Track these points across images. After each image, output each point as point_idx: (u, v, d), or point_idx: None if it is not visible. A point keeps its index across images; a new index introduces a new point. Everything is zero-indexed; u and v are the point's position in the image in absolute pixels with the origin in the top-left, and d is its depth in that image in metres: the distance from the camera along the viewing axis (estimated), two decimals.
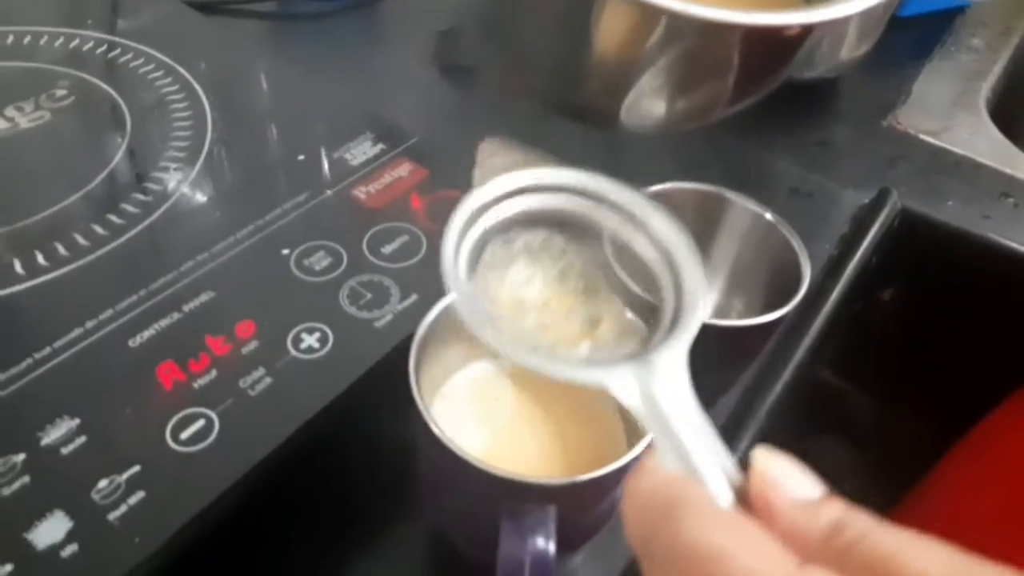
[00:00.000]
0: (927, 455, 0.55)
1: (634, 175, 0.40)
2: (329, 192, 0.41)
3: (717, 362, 0.37)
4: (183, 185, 0.42)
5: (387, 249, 0.38)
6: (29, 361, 0.32)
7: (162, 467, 0.29)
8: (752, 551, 0.15)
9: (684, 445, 0.18)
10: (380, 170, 0.43)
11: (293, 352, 0.34)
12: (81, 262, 0.37)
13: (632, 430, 0.31)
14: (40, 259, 0.37)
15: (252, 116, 0.47)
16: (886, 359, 0.62)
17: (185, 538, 0.28)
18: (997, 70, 0.66)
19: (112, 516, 0.28)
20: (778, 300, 0.35)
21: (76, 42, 0.51)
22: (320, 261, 0.37)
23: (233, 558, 0.31)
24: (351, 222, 0.40)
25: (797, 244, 0.37)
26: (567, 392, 0.32)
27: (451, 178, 0.42)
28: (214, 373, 0.32)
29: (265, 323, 0.34)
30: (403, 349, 0.28)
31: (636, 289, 0.24)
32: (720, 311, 0.42)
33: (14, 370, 0.32)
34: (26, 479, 0.29)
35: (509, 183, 0.23)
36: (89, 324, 0.34)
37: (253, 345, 0.34)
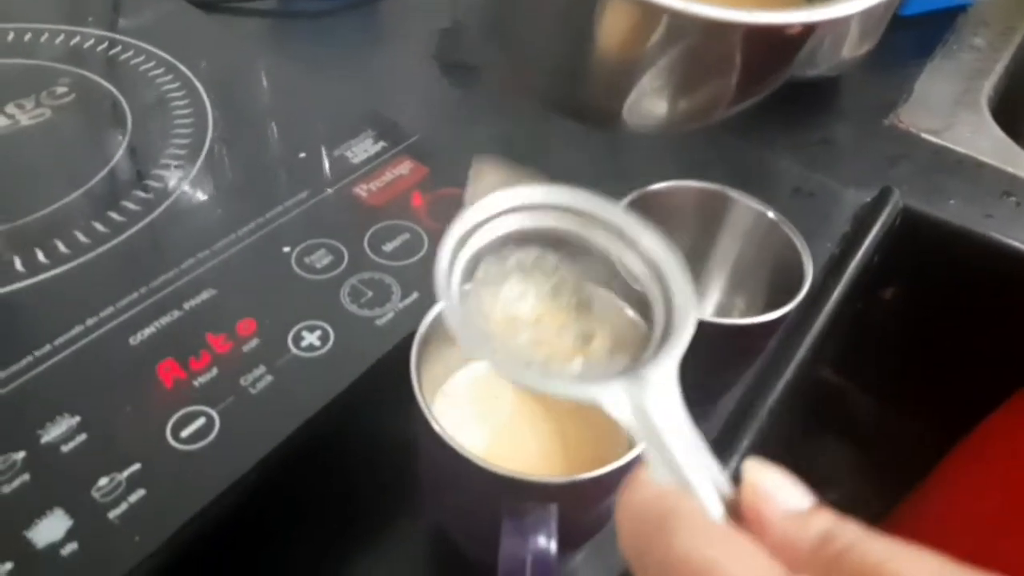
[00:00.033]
0: (928, 455, 0.55)
1: (636, 174, 0.40)
2: (330, 190, 0.41)
3: (719, 361, 0.37)
4: (184, 183, 0.41)
5: (388, 247, 0.38)
6: (29, 359, 0.32)
7: (162, 465, 0.29)
8: (743, 563, 0.15)
9: (676, 459, 0.18)
10: (381, 168, 0.43)
11: (294, 350, 0.33)
12: (82, 259, 0.37)
13: None
14: (40, 256, 0.37)
15: (253, 114, 0.47)
16: (887, 358, 0.62)
17: (185, 536, 0.28)
18: (999, 69, 0.66)
19: (112, 514, 0.28)
20: (780, 299, 0.35)
21: (77, 39, 0.51)
22: (321, 259, 0.37)
23: (234, 556, 0.31)
24: (352, 220, 0.40)
25: (799, 243, 0.36)
26: None
27: (452, 176, 0.42)
28: (215, 371, 0.32)
29: (266, 321, 0.34)
30: (404, 347, 0.28)
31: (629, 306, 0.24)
32: (722, 310, 0.42)
33: (14, 368, 0.32)
34: (26, 477, 0.28)
35: (501, 202, 0.24)
36: (90, 322, 0.34)
37: (254, 343, 0.34)
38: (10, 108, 0.45)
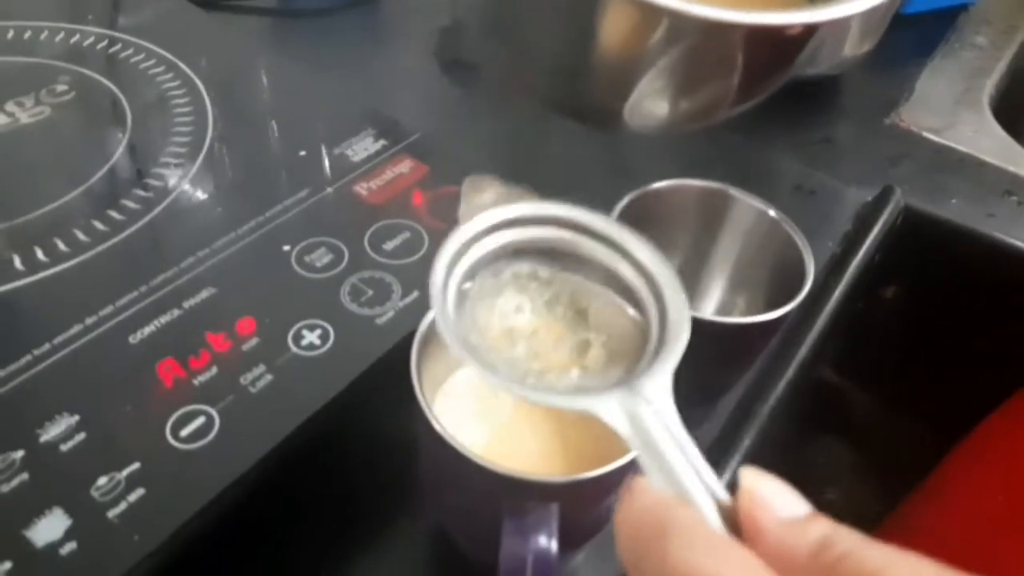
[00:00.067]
0: (928, 455, 0.55)
1: (636, 173, 0.40)
2: (330, 188, 0.41)
3: (719, 360, 0.37)
4: (184, 181, 0.41)
5: (389, 246, 0.38)
6: (28, 358, 0.32)
7: (162, 464, 0.29)
8: (740, 572, 0.15)
9: (672, 468, 0.18)
10: (381, 166, 0.43)
11: (294, 349, 0.33)
12: (81, 258, 0.37)
13: None
14: (40, 255, 0.37)
15: (253, 112, 0.47)
16: (888, 357, 0.62)
17: (185, 536, 0.28)
18: (1001, 68, 0.66)
19: (111, 514, 0.28)
20: (781, 297, 0.35)
21: (77, 37, 0.51)
22: (321, 258, 0.37)
23: (233, 556, 0.30)
24: (352, 218, 0.39)
25: (801, 241, 0.36)
26: None
27: (452, 174, 0.42)
28: (214, 370, 0.32)
29: (266, 320, 0.34)
30: (404, 346, 0.28)
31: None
32: (723, 308, 0.42)
33: (13, 366, 0.32)
34: (25, 476, 0.28)
35: (494, 217, 0.24)
36: (89, 320, 0.34)
37: (254, 342, 0.33)
38: (10, 106, 0.45)
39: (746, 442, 0.39)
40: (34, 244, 0.37)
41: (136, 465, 0.29)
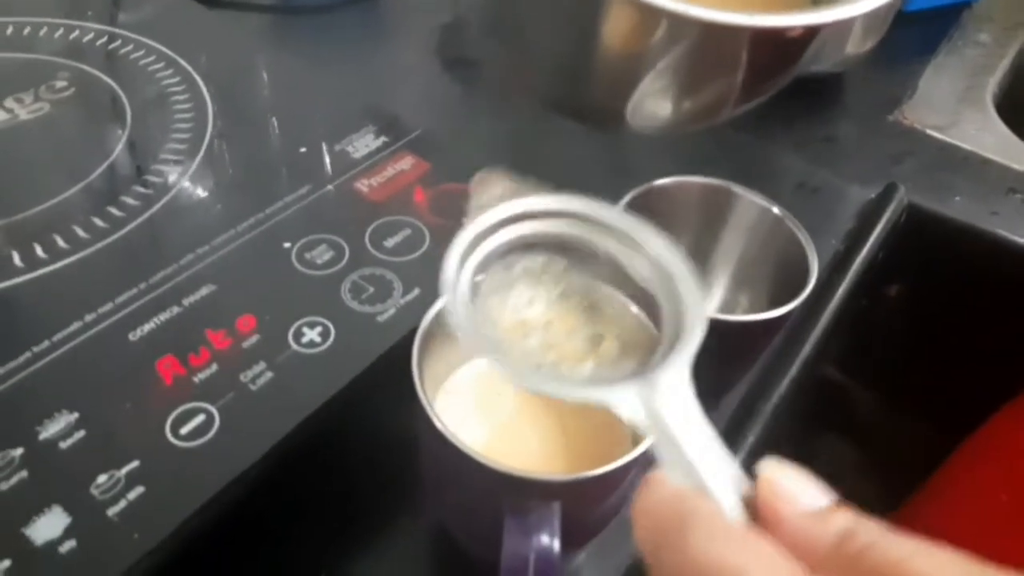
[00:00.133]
0: (932, 454, 0.55)
1: (640, 170, 0.40)
2: (331, 185, 0.41)
3: (723, 358, 0.36)
4: (184, 178, 0.41)
5: (389, 243, 0.38)
6: (28, 355, 0.32)
7: (162, 462, 0.29)
8: (760, 564, 0.15)
9: (691, 460, 0.18)
10: (382, 163, 0.43)
11: (294, 346, 0.33)
12: (80, 255, 0.37)
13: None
14: (39, 251, 0.37)
15: (253, 109, 0.47)
16: (892, 356, 0.62)
17: (185, 534, 0.28)
18: (1004, 65, 0.66)
19: (111, 511, 0.28)
20: (784, 295, 0.34)
21: (76, 33, 0.50)
22: (322, 255, 0.37)
23: (233, 554, 0.30)
24: (353, 215, 0.39)
25: (804, 238, 0.36)
26: None
27: (454, 172, 0.42)
28: (214, 367, 0.32)
29: (266, 317, 0.34)
30: (406, 344, 0.28)
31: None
32: (726, 306, 0.42)
33: (12, 364, 0.32)
34: (24, 474, 0.28)
35: (505, 212, 0.24)
36: (88, 318, 0.34)
37: (254, 339, 0.33)
38: (9, 102, 0.45)
39: (749, 440, 0.39)
40: (33, 241, 0.37)
41: (136, 463, 0.29)
